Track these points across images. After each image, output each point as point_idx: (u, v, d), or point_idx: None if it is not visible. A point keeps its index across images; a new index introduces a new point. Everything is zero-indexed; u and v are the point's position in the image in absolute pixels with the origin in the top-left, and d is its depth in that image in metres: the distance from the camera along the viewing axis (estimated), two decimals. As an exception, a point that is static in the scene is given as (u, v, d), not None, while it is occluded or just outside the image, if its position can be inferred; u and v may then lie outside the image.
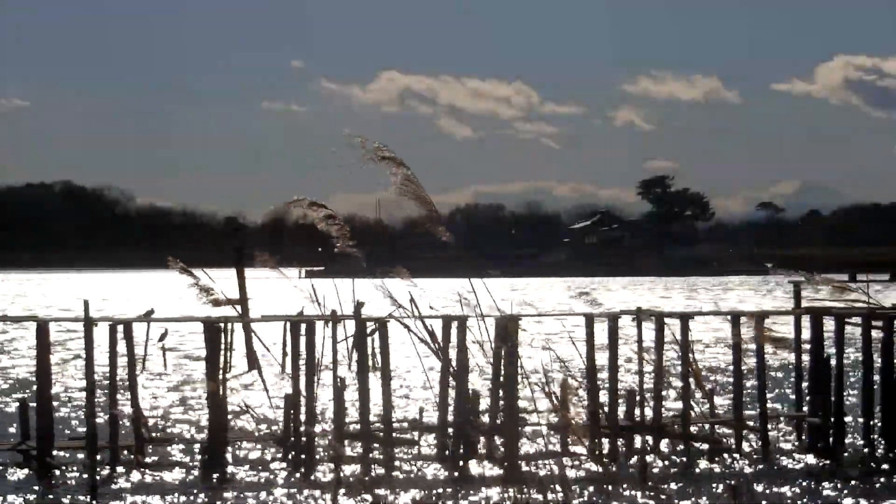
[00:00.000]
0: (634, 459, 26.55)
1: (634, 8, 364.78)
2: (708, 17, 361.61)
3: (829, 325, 28.63)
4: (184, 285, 9.54)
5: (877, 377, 28.63)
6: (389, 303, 8.45)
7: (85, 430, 26.23)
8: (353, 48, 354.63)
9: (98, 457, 25.46)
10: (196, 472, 25.89)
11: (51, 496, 24.05)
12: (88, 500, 23.69)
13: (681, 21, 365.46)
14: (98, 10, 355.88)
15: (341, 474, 25.24)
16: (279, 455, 26.92)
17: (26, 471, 26.18)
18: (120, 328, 26.33)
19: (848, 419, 29.20)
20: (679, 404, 28.50)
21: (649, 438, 27.49)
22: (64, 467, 26.24)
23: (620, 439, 27.44)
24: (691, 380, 27.88)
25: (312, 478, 25.38)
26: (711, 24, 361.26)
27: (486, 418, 26.44)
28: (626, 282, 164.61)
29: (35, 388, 27.27)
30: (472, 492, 23.89)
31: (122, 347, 26.47)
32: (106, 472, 25.68)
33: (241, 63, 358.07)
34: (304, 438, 26.36)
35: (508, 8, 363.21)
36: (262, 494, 23.89)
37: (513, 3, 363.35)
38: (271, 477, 25.54)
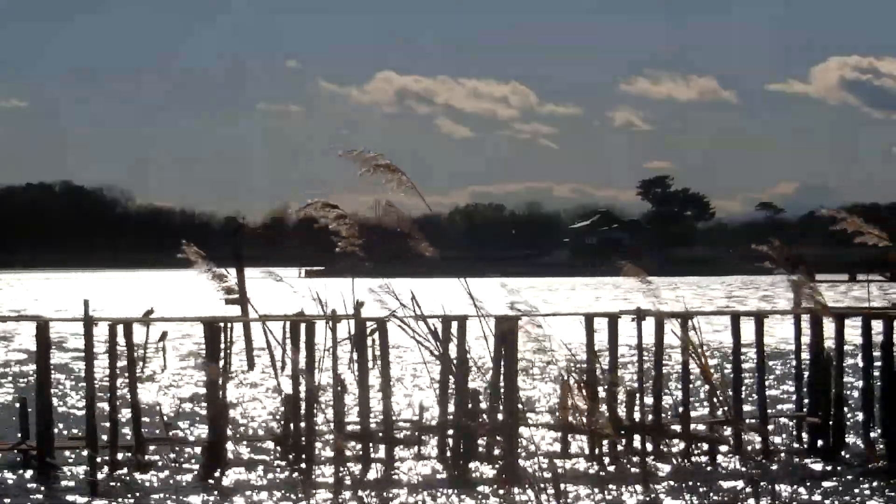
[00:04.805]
0: (635, 459, 26.54)
1: (632, 8, 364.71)
2: (705, 17, 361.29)
3: (828, 325, 28.61)
4: (195, 275, 9.26)
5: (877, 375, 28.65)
6: (381, 304, 8.34)
7: (85, 430, 26.23)
8: (349, 48, 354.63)
9: (98, 457, 25.45)
10: (196, 472, 25.88)
11: (51, 496, 24.04)
12: (88, 500, 23.69)
13: (678, 22, 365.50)
14: (98, 9, 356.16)
15: (341, 474, 25.21)
16: (279, 455, 26.91)
17: (26, 471, 26.16)
18: (120, 328, 26.34)
19: (848, 419, 29.20)
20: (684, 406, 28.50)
21: (649, 438, 27.47)
22: (64, 467, 26.23)
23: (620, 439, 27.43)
24: (699, 380, 27.85)
25: (312, 478, 25.37)
26: (708, 24, 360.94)
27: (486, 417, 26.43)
28: (620, 281, 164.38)
29: (35, 388, 27.27)
30: (471, 492, 23.87)
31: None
32: (106, 472, 25.68)
33: (239, 63, 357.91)
34: (304, 438, 26.36)
35: (506, 7, 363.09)
36: (262, 494, 23.88)
37: (510, 3, 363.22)
38: (271, 477, 25.54)
